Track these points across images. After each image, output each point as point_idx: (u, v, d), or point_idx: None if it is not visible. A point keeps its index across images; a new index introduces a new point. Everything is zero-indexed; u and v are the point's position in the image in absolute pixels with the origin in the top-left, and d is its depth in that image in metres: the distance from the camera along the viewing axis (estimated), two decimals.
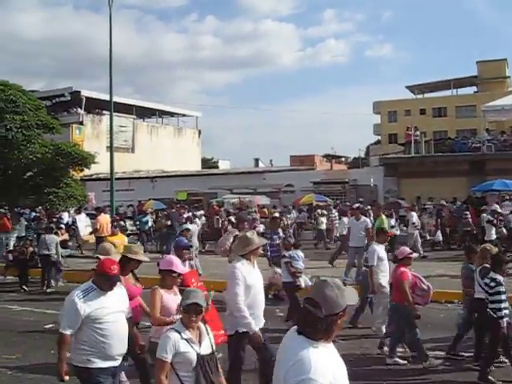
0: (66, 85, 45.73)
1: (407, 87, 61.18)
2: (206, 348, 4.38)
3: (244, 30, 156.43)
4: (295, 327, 2.95)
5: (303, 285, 10.02)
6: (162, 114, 54.67)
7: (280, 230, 13.02)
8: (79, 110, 44.19)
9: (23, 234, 19.71)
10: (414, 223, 19.03)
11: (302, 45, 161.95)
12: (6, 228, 19.62)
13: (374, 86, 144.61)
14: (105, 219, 17.83)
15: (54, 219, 22.61)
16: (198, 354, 4.29)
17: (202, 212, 25.60)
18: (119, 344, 5.03)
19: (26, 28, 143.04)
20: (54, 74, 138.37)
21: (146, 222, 23.37)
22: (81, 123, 43.34)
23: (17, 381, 7.36)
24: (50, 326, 9.56)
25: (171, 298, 5.65)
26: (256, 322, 5.81)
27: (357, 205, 18.61)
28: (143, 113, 52.71)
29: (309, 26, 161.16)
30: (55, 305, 10.40)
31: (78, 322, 4.86)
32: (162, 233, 19.91)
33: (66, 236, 18.52)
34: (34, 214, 25.20)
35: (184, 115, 56.17)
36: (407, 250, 8.52)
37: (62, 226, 19.82)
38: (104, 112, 44.53)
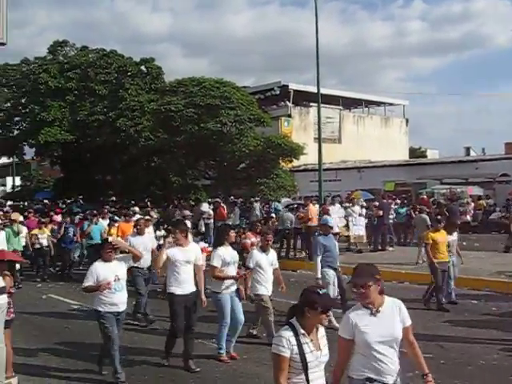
0: (275, 79, 47.16)
1: None
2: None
3: (453, 12, 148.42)
4: None
5: None
6: (368, 103, 54.10)
7: None
8: (287, 102, 45.41)
9: (237, 223, 20.74)
10: None
11: None
12: (222, 216, 20.87)
13: None
14: (314, 210, 18.18)
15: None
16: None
17: None
18: None
19: (237, 28, 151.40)
20: (264, 69, 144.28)
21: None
22: (289, 116, 44.46)
23: None
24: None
25: None
26: None
27: None
28: (349, 103, 52.62)
29: None
30: None
31: None
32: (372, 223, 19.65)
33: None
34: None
35: (391, 104, 55.01)
36: None
37: (273, 215, 20.42)
38: (311, 104, 45.24)
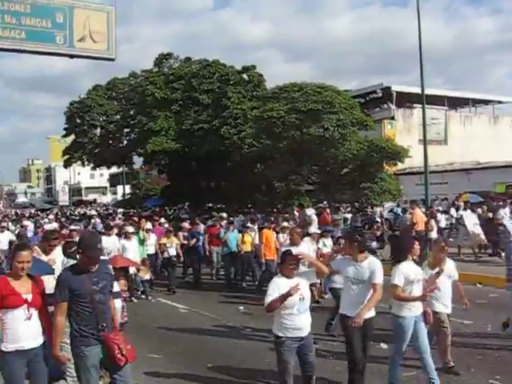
0: (377, 81, 46.68)
1: None
2: None
3: None
4: None
5: None
6: (476, 102, 52.04)
7: None
8: (390, 105, 44.59)
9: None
10: None
11: None
12: (326, 221, 20.74)
13: None
14: (420, 214, 17.69)
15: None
16: None
17: None
18: None
19: (337, 31, 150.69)
20: (365, 72, 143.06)
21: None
22: (392, 118, 43.64)
23: None
24: None
25: None
26: None
27: None
28: (455, 103, 50.86)
29: None
30: None
31: None
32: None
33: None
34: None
35: (500, 102, 52.62)
36: None
37: (378, 220, 20.09)
38: (415, 105, 44.17)
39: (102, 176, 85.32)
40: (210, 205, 33.18)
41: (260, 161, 30.22)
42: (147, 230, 15.69)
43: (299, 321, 6.09)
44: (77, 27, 14.71)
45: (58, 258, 7.88)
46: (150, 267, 14.39)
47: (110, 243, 13.37)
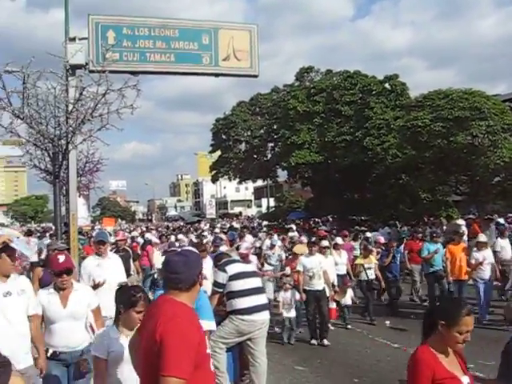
0: None
1: None
2: None
3: None
4: None
5: None
6: None
7: None
8: None
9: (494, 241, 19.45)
10: None
11: None
12: (475, 234, 19.77)
13: None
14: None
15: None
16: None
17: None
18: None
19: (484, 33, 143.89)
20: None
21: None
22: None
23: None
24: None
25: None
26: None
27: None
28: None
29: None
30: None
31: None
32: None
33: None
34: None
35: None
36: None
37: None
38: None
39: (247, 189, 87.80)
40: (354, 217, 32.95)
41: (404, 171, 29.59)
42: (336, 246, 13.55)
43: None
44: (221, 47, 15.36)
45: (207, 270, 8.29)
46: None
47: (314, 263, 10.90)
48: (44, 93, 10.93)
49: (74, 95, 11.05)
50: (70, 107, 10.93)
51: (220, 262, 7.31)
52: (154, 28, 14.82)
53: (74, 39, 12.83)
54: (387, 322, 12.31)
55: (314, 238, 15.02)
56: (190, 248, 3.67)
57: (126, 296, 4.35)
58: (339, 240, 14.13)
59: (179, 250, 3.56)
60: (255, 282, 7.14)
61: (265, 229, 30.18)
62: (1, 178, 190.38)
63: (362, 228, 23.63)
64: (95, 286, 7.03)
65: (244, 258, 7.69)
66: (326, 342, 10.48)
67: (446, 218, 24.47)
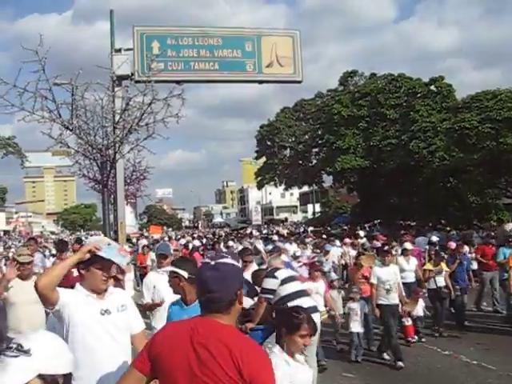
0: None
1: None
2: None
3: None
4: None
5: None
6: None
7: None
8: None
9: None
10: None
11: None
12: None
13: None
14: None
15: None
16: None
17: None
18: None
19: None
20: None
21: None
22: None
23: None
24: None
25: None
26: None
27: None
28: None
29: None
30: None
31: None
32: None
33: None
34: None
35: None
36: None
37: None
38: None
39: (292, 195, 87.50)
40: (402, 222, 32.51)
41: (452, 175, 29.06)
42: (405, 252, 12.49)
43: None
44: (264, 54, 15.45)
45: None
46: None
47: (390, 275, 9.72)
48: (92, 104, 11.19)
49: (120, 105, 11.27)
50: (117, 117, 11.14)
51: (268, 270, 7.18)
52: (197, 37, 15.00)
53: (119, 50, 13.11)
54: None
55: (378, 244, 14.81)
56: (228, 259, 2.67)
57: (287, 317, 3.79)
58: (408, 245, 12.97)
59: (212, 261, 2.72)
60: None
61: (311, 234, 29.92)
62: (51, 188, 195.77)
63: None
64: (153, 306, 6.39)
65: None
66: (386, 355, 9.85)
67: (496, 222, 23.90)
